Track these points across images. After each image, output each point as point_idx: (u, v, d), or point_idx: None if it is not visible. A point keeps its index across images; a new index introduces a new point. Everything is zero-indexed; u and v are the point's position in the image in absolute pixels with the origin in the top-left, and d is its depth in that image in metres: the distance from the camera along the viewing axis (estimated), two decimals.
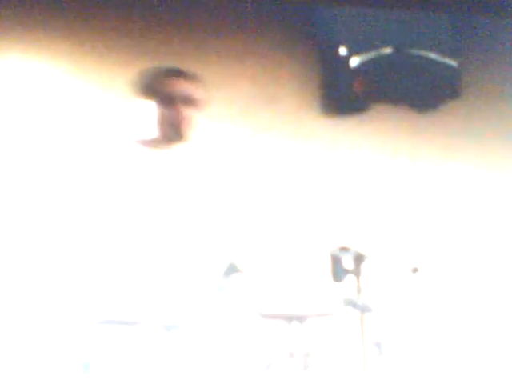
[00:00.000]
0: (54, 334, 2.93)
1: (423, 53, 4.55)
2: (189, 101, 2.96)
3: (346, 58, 4.49)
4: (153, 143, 2.98)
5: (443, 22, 4.66)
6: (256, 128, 4.47)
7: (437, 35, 4.65)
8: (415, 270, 2.55)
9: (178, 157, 3.02)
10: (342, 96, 4.62)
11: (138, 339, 2.54)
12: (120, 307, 2.65)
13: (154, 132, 2.96)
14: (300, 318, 2.65)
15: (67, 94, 4.42)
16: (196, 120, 2.99)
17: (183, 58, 4.52)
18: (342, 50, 4.50)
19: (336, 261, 2.55)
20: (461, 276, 4.52)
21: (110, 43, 4.51)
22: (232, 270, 2.60)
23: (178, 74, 3.03)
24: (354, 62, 4.48)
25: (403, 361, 2.84)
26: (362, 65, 4.48)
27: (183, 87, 2.98)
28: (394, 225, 4.45)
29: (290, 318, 2.65)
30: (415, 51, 4.54)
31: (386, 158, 4.61)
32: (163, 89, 2.98)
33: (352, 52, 4.49)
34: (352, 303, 2.53)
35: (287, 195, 3.06)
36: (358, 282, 2.54)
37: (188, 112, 2.95)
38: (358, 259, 2.54)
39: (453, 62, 4.58)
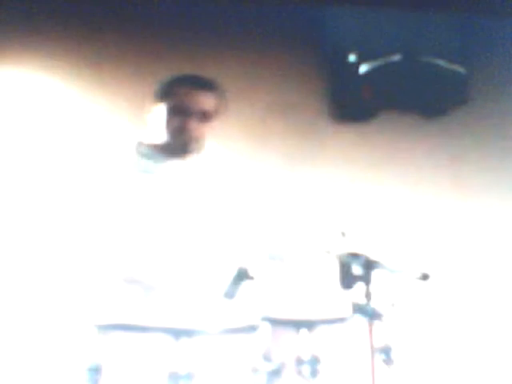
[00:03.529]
0: (61, 339, 2.92)
1: (431, 60, 4.55)
2: (204, 111, 2.93)
3: (355, 66, 4.49)
4: (166, 152, 2.98)
5: (451, 27, 4.67)
6: (265, 137, 4.47)
7: (444, 41, 4.65)
8: (425, 277, 2.54)
9: (192, 166, 3.01)
10: (351, 103, 4.62)
11: (146, 346, 2.53)
12: (128, 312, 2.64)
13: (168, 141, 2.96)
14: (309, 324, 2.64)
15: (76, 103, 4.43)
16: (211, 130, 2.98)
17: (196, 67, 4.53)
18: (351, 58, 4.50)
19: (345, 267, 2.54)
20: (470, 282, 4.51)
21: (121, 51, 4.52)
22: (241, 275, 2.59)
23: (195, 82, 2.99)
24: (363, 69, 4.48)
25: (412, 367, 2.83)
26: (371, 72, 4.48)
27: (199, 97, 2.95)
28: (404, 231, 4.44)
29: (298, 324, 2.64)
30: (423, 58, 4.54)
31: (394, 165, 4.61)
32: (178, 98, 2.95)
33: (360, 59, 4.49)
34: (361, 309, 2.52)
35: (297, 201, 3.05)
36: (368, 288, 2.53)
37: (203, 122, 2.94)
38: (368, 265, 2.53)
39: (460, 69, 4.58)
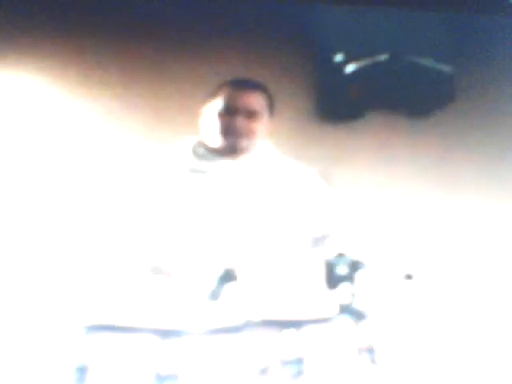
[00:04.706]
0: (48, 339, 2.93)
1: (418, 59, 4.55)
2: (250, 111, 3.01)
3: (342, 65, 4.49)
4: (218, 153, 3.01)
5: (438, 26, 4.67)
6: None
7: (432, 40, 4.65)
8: (409, 277, 2.56)
9: (243, 166, 3.04)
10: (337, 103, 4.62)
11: (133, 346, 2.54)
12: (115, 313, 2.65)
13: (218, 142, 3.00)
14: (294, 324, 2.65)
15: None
16: (261, 130, 3.01)
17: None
18: (338, 57, 4.51)
19: (330, 267, 2.55)
20: (455, 282, 4.52)
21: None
22: (227, 276, 2.60)
23: (240, 84, 3.09)
24: (350, 68, 4.48)
25: (397, 368, 2.84)
26: (358, 71, 4.49)
27: (244, 97, 3.03)
28: (389, 232, 4.44)
29: (283, 324, 2.64)
30: (410, 58, 4.55)
31: (381, 165, 4.61)
32: (224, 100, 3.03)
33: (347, 59, 4.49)
34: (346, 310, 2.53)
35: (282, 201, 3.06)
36: (353, 288, 2.54)
37: (250, 122, 2.99)
38: (353, 266, 2.55)
39: (447, 68, 4.59)
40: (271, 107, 3.13)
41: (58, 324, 2.72)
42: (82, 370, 2.54)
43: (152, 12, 4.62)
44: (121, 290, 2.80)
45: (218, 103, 3.05)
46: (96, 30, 4.59)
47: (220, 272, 2.60)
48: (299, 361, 2.61)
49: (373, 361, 2.67)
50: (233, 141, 3.02)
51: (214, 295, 2.58)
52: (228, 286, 2.59)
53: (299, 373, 2.60)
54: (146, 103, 4.59)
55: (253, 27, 4.63)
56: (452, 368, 4.34)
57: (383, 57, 4.51)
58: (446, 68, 4.59)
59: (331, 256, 2.56)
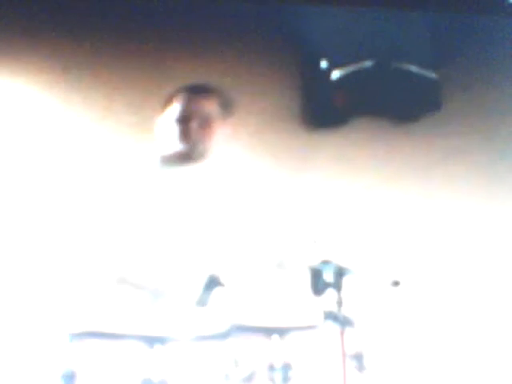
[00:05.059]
0: (35, 346, 2.94)
1: (404, 65, 4.53)
2: (204, 116, 2.97)
3: (327, 71, 4.48)
4: (174, 160, 3.00)
5: (423, 31, 4.65)
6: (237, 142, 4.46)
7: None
8: (396, 284, 2.55)
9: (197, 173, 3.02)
10: (323, 109, 4.60)
11: (120, 353, 2.55)
12: (102, 320, 2.66)
13: (173, 149, 2.98)
14: (280, 331, 2.65)
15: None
16: (216, 136, 3.00)
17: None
18: (323, 63, 4.49)
19: (317, 274, 2.55)
20: (442, 289, 4.50)
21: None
22: (213, 283, 2.60)
23: (194, 89, 3.06)
24: (335, 74, 4.47)
25: (384, 375, 2.84)
26: (343, 78, 4.47)
27: (197, 102, 3.00)
28: (375, 238, 4.42)
29: (270, 331, 2.65)
30: (396, 64, 4.53)
31: (366, 171, 4.58)
32: (178, 106, 3.01)
33: (333, 65, 4.47)
34: (333, 316, 2.53)
35: (266, 208, 3.05)
36: (339, 295, 2.54)
37: (205, 127, 2.97)
38: (339, 272, 2.54)
39: (433, 75, 4.57)
40: (228, 111, 3.08)
41: (46, 331, 2.72)
42: (69, 377, 2.55)
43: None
44: (108, 298, 2.82)
45: (173, 110, 3.01)
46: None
47: (205, 279, 2.60)
48: (286, 367, 2.61)
49: (360, 367, 2.68)
50: (189, 146, 2.98)
51: (202, 302, 2.58)
52: (214, 292, 2.60)
53: (286, 379, 2.60)
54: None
55: (237, 34, 4.60)
56: (440, 373, 4.33)
57: (368, 63, 4.49)
58: (431, 74, 4.57)
59: (317, 262, 2.56)
